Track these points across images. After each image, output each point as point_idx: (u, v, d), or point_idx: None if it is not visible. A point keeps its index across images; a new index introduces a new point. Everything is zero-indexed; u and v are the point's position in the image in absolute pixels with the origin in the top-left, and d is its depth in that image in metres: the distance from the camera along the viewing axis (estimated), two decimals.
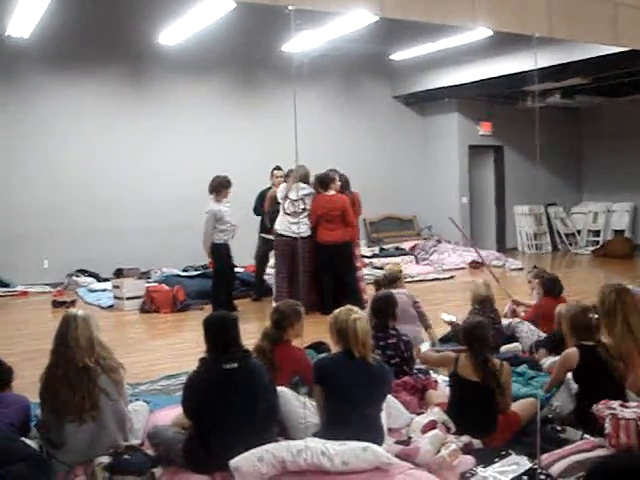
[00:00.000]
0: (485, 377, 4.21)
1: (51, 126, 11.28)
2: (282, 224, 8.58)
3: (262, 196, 9.59)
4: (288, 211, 8.60)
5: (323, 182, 8.79)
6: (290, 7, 3.71)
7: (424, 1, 4.27)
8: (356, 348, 4.00)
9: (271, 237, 9.01)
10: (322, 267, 8.72)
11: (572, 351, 4.54)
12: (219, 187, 8.55)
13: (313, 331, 6.38)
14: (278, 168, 9.52)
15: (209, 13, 7.97)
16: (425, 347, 6.08)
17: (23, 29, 8.80)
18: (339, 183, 8.88)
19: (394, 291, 6.08)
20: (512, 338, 6.19)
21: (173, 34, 9.96)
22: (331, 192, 8.74)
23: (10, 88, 11.01)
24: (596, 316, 4.63)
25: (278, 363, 4.49)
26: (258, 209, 9.68)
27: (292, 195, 8.60)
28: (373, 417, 4.05)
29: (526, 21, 4.68)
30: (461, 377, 4.30)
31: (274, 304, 7.91)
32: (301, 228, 8.46)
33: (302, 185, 8.58)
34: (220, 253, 8.63)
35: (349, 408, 3.93)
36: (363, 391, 3.97)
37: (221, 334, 3.90)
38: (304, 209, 8.59)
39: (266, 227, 9.36)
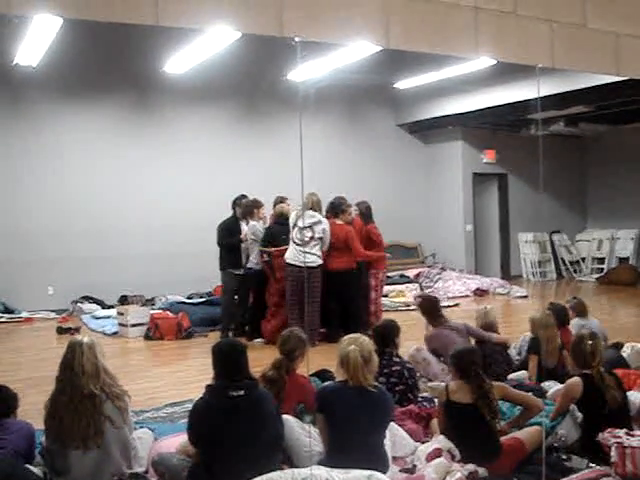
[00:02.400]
0: (479, 398, 4.22)
1: (57, 154, 11.36)
2: (291, 253, 8.46)
3: (228, 227, 9.00)
4: (296, 240, 8.44)
5: (333, 210, 8.85)
6: (296, 39, 3.76)
7: (428, 32, 4.32)
8: (349, 377, 4.03)
9: (240, 272, 8.91)
10: (329, 294, 8.66)
11: (575, 380, 4.54)
12: (251, 208, 8.96)
13: (319, 359, 6.39)
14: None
15: (215, 42, 8.03)
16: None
17: (31, 58, 8.89)
18: (351, 216, 8.93)
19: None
20: (520, 367, 6.17)
21: (179, 63, 10.05)
22: (338, 221, 8.76)
23: (17, 116, 11.11)
24: (590, 342, 4.62)
25: (285, 392, 4.50)
26: (225, 241, 8.96)
27: (300, 223, 8.47)
28: (376, 445, 4.04)
29: (529, 52, 4.73)
30: (455, 402, 4.30)
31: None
32: (308, 258, 8.34)
33: (311, 213, 8.51)
34: (258, 279, 8.87)
35: (351, 436, 3.93)
36: (364, 419, 3.97)
37: (229, 361, 3.90)
38: (312, 237, 8.42)
39: (237, 261, 8.97)
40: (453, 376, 4.51)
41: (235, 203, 9.16)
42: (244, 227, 8.99)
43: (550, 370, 5.88)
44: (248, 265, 8.92)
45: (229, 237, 8.89)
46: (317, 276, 8.45)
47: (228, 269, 8.90)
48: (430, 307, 6.42)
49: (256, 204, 9.07)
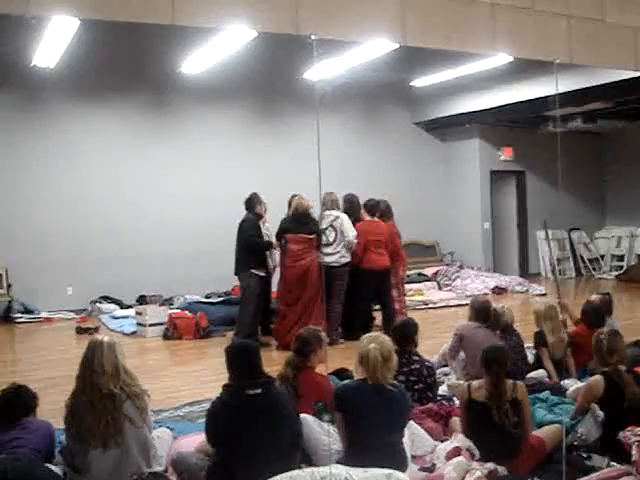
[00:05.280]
0: (491, 397, 4.20)
1: (75, 154, 11.41)
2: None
3: (255, 226, 8.55)
4: (324, 241, 8.41)
5: (370, 209, 8.87)
6: (312, 37, 3.75)
7: (444, 29, 4.31)
8: (368, 375, 4.03)
9: (263, 274, 8.54)
10: (366, 292, 8.68)
11: (597, 379, 4.50)
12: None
13: (338, 358, 6.39)
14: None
15: (231, 42, 8.04)
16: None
17: (49, 59, 8.94)
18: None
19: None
20: (537, 365, 6.13)
21: (195, 63, 10.07)
22: (376, 219, 8.81)
23: (35, 116, 11.16)
24: (607, 338, 4.59)
25: (301, 390, 4.49)
26: (257, 241, 8.53)
27: (322, 225, 8.49)
28: (395, 443, 4.04)
29: (546, 48, 4.70)
30: (475, 400, 4.29)
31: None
32: (331, 257, 8.36)
33: (327, 213, 8.55)
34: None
35: (370, 435, 3.93)
36: (383, 417, 3.96)
37: (244, 361, 3.90)
38: (336, 236, 8.44)
39: (263, 262, 8.58)
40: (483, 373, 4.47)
41: (252, 202, 8.69)
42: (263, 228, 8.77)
43: (557, 362, 5.88)
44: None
45: (257, 237, 8.51)
46: (341, 275, 8.46)
47: (253, 270, 8.43)
48: (479, 310, 6.27)
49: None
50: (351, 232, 8.52)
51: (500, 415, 4.16)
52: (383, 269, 8.64)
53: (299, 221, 8.43)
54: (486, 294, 12.47)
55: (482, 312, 6.13)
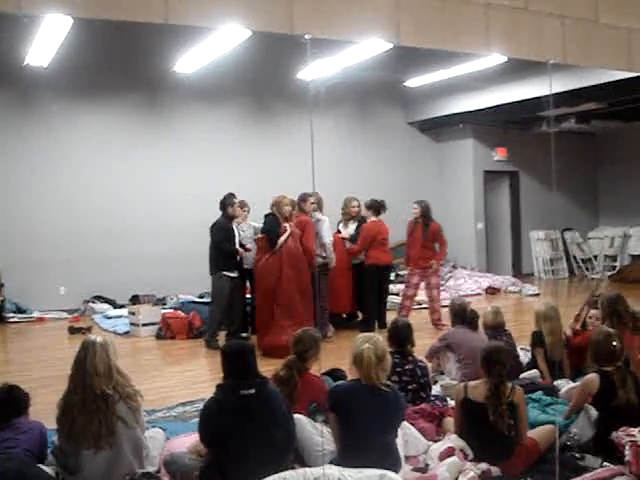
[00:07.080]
0: (490, 397, 4.19)
1: (68, 154, 11.38)
2: None
3: (224, 228, 8.62)
4: None
5: (375, 208, 9.08)
6: (306, 36, 3.74)
7: (439, 29, 4.30)
8: (362, 375, 4.02)
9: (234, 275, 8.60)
10: (371, 286, 8.93)
11: (592, 377, 4.51)
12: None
13: (331, 358, 6.37)
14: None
15: (225, 42, 8.03)
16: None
17: (42, 58, 8.90)
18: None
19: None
20: (531, 365, 6.13)
21: (189, 62, 10.05)
22: (380, 217, 9.04)
23: (28, 116, 11.13)
24: (616, 341, 4.60)
25: (298, 391, 4.48)
26: (223, 245, 8.57)
27: None
28: (388, 444, 4.03)
29: (540, 48, 4.70)
30: (473, 401, 4.29)
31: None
32: (316, 259, 8.43)
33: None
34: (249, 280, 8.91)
35: (363, 435, 3.92)
36: (376, 418, 3.96)
37: (239, 361, 3.89)
38: (315, 239, 8.49)
39: (233, 264, 8.65)
40: (481, 373, 4.46)
41: (224, 204, 8.70)
42: (235, 229, 8.77)
43: (554, 363, 5.88)
44: (245, 266, 8.83)
45: (227, 240, 8.56)
46: (323, 274, 8.57)
47: (223, 272, 8.51)
48: (458, 311, 6.29)
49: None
50: (327, 236, 8.68)
51: (496, 416, 4.16)
52: (385, 265, 9.01)
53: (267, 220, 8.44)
54: (479, 294, 12.53)
55: (461, 313, 6.14)
